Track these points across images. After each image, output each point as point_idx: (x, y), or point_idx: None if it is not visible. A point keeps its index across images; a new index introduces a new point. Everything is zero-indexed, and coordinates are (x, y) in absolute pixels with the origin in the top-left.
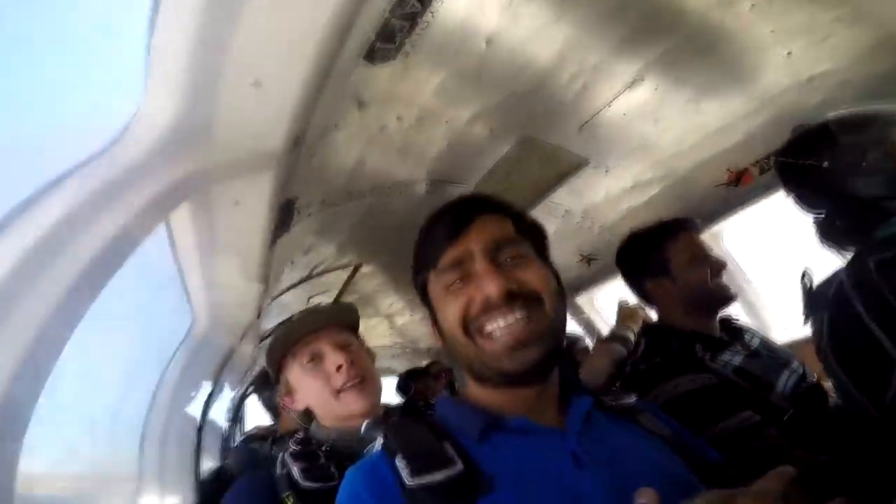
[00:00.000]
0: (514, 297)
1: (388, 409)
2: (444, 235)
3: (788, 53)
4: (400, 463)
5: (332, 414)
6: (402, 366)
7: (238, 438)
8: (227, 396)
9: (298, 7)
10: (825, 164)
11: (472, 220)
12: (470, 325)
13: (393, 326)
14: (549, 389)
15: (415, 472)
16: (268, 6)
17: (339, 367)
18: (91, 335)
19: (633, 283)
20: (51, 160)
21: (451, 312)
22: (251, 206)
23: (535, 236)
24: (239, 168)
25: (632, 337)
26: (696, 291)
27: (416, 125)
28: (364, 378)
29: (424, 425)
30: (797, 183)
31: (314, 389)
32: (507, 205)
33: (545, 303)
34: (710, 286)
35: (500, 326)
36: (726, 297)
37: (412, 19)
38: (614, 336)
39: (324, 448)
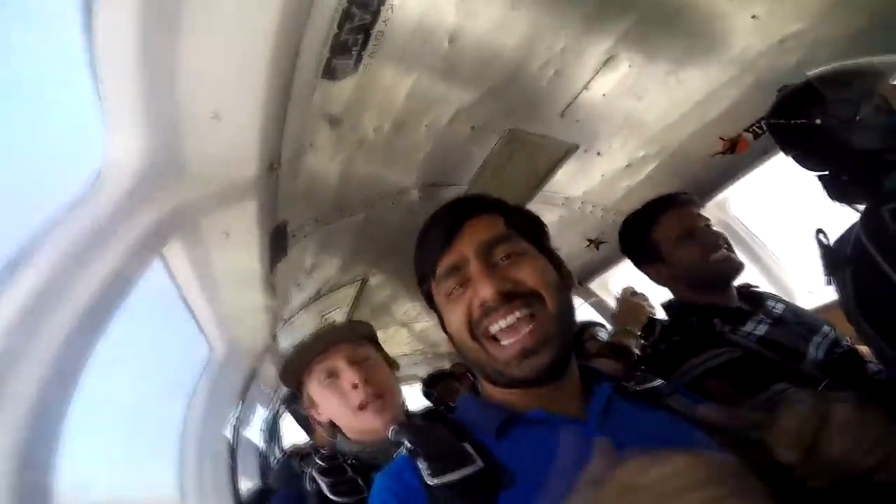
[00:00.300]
0: (512, 297)
1: (410, 414)
2: (437, 244)
3: (753, 17)
4: (422, 464)
5: (353, 429)
6: (425, 372)
7: (277, 457)
8: (260, 417)
9: (240, 37)
10: (818, 122)
11: (462, 224)
12: (475, 330)
13: (412, 333)
14: (566, 383)
15: (436, 472)
16: (207, 43)
17: (354, 386)
18: (113, 374)
19: (638, 268)
20: (25, 217)
21: (455, 319)
22: (242, 235)
23: (530, 229)
24: (219, 200)
25: (633, 343)
26: (692, 270)
27: (395, 133)
28: (382, 393)
29: (445, 426)
30: (794, 145)
31: (333, 406)
32: (497, 202)
33: (545, 299)
34: (704, 263)
35: (502, 328)
36: (726, 271)
37: (365, 31)
38: (611, 347)
39: (350, 462)
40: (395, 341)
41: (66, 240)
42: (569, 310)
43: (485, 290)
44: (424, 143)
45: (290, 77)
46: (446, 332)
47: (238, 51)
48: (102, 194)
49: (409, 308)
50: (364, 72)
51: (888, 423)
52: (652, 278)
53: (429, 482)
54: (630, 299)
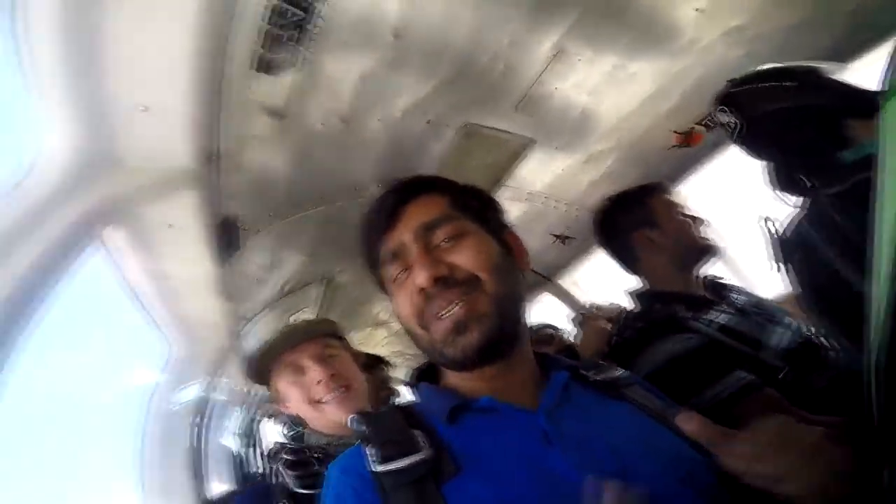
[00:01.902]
0: (449, 283)
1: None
2: (378, 229)
3: (697, 9)
4: (371, 452)
5: (318, 423)
6: (404, 374)
7: (256, 461)
8: (235, 420)
9: (165, 29)
10: (793, 83)
11: (403, 207)
12: (420, 317)
13: (389, 334)
14: (517, 368)
15: (382, 460)
16: (132, 34)
17: (318, 382)
18: (53, 375)
19: (617, 241)
20: None
21: (402, 305)
22: (186, 227)
23: (477, 208)
24: (157, 191)
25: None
26: (684, 240)
27: (345, 127)
28: (348, 387)
29: (399, 414)
30: (761, 114)
31: (298, 401)
32: (440, 181)
33: (484, 282)
34: (696, 235)
35: (442, 313)
36: (713, 247)
37: (299, 26)
38: None
39: (316, 455)
40: (371, 343)
41: None
42: (512, 291)
43: (420, 276)
44: (379, 137)
45: (219, 69)
46: (398, 318)
47: (163, 43)
48: (31, 186)
49: (384, 308)
50: (304, 66)
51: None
52: (633, 249)
53: (375, 469)
54: (594, 325)
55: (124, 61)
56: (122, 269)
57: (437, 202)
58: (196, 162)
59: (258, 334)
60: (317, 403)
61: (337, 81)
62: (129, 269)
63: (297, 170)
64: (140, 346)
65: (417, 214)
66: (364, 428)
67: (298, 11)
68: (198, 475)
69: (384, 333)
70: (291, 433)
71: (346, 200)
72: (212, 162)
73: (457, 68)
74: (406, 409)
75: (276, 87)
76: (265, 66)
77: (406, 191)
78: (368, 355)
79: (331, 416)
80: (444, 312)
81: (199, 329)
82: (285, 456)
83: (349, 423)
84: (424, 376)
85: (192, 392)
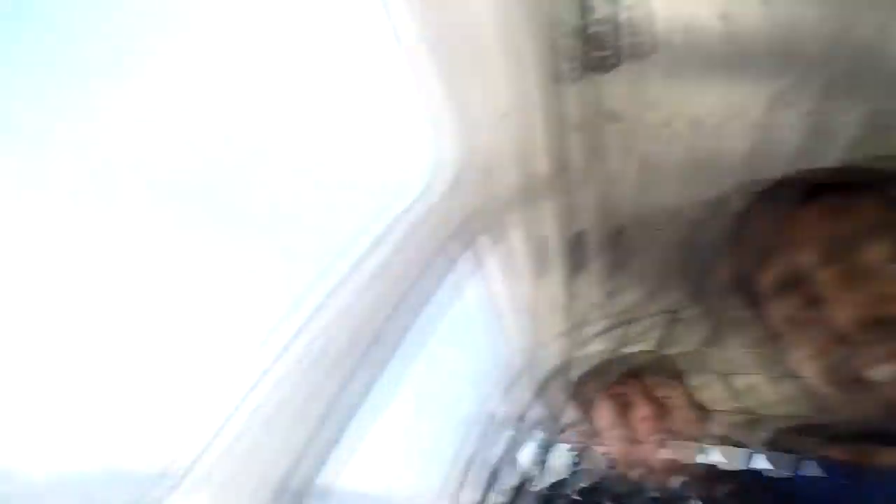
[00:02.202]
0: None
1: (714, 471)
2: (758, 248)
3: None
4: None
5: (630, 462)
6: (741, 436)
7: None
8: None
9: (497, 38)
10: None
11: (800, 214)
12: (838, 371)
13: (729, 388)
14: None
15: None
16: (472, 49)
17: (644, 419)
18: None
19: None
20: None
21: (802, 352)
22: (541, 237)
23: None
24: (519, 199)
25: None
26: None
27: (691, 132)
28: (676, 432)
29: (771, 494)
30: None
31: (615, 436)
32: (863, 172)
33: None
34: None
35: (882, 374)
36: None
37: (613, 21)
38: None
39: (608, 501)
40: (706, 393)
41: (400, 237)
42: None
43: (843, 315)
44: (737, 140)
45: (555, 74)
46: (791, 367)
47: (499, 51)
48: (433, 192)
49: (732, 356)
50: (634, 65)
51: None
52: None
53: None
54: None
55: (479, 72)
56: (486, 279)
57: (860, 202)
58: (551, 169)
59: (589, 361)
60: (636, 443)
61: (673, 80)
62: (491, 279)
63: (643, 183)
64: (478, 356)
65: (827, 222)
66: (698, 497)
67: (605, 6)
68: (489, 487)
69: (721, 386)
70: (577, 467)
71: (702, 217)
72: (565, 171)
73: (824, 49)
74: (780, 489)
75: (610, 89)
76: (593, 66)
77: (804, 189)
78: (702, 405)
79: (649, 458)
80: (884, 372)
81: (536, 347)
82: (574, 496)
83: (676, 487)
84: (797, 440)
85: (511, 408)
